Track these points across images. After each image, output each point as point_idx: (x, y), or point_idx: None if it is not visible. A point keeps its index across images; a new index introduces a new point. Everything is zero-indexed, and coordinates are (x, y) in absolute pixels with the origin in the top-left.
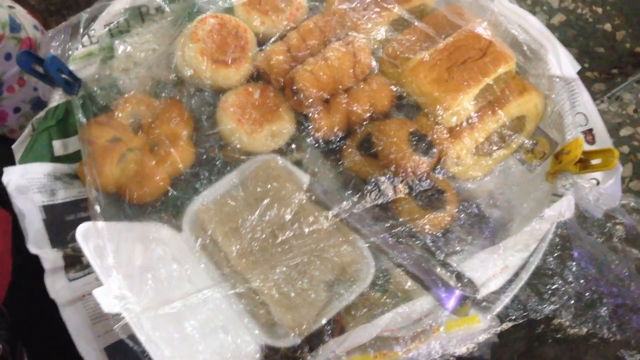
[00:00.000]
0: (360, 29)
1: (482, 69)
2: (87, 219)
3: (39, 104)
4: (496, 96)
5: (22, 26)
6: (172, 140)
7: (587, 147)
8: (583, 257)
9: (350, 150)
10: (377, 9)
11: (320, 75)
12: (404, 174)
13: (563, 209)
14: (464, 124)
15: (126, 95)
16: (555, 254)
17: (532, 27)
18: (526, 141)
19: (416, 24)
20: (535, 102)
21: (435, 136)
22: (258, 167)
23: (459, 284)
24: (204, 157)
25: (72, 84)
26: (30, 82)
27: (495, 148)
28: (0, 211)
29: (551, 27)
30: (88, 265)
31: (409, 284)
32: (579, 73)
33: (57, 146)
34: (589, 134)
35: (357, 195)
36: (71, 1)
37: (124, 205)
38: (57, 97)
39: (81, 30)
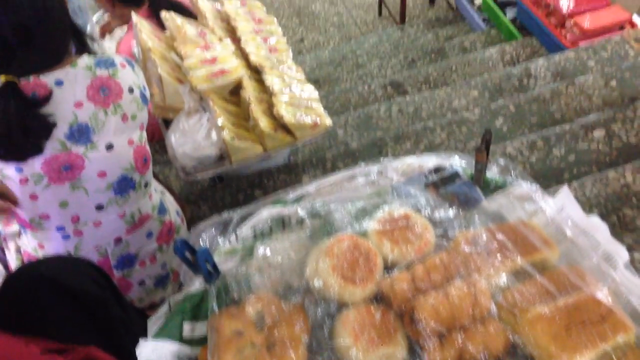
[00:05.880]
0: (482, 272)
1: (600, 333)
2: None
3: (161, 281)
4: None
5: (167, 210)
6: (291, 343)
7: None
8: None
9: None
10: (500, 257)
11: (440, 309)
12: None
13: None
14: None
15: (258, 294)
16: None
17: None
18: None
19: (537, 277)
20: None
21: None
22: None
23: None
24: None
25: (212, 274)
26: (159, 260)
27: None
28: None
29: None
30: None
31: None
32: None
33: (187, 328)
34: None
35: None
36: (207, 194)
37: None
38: (197, 284)
39: (231, 229)
